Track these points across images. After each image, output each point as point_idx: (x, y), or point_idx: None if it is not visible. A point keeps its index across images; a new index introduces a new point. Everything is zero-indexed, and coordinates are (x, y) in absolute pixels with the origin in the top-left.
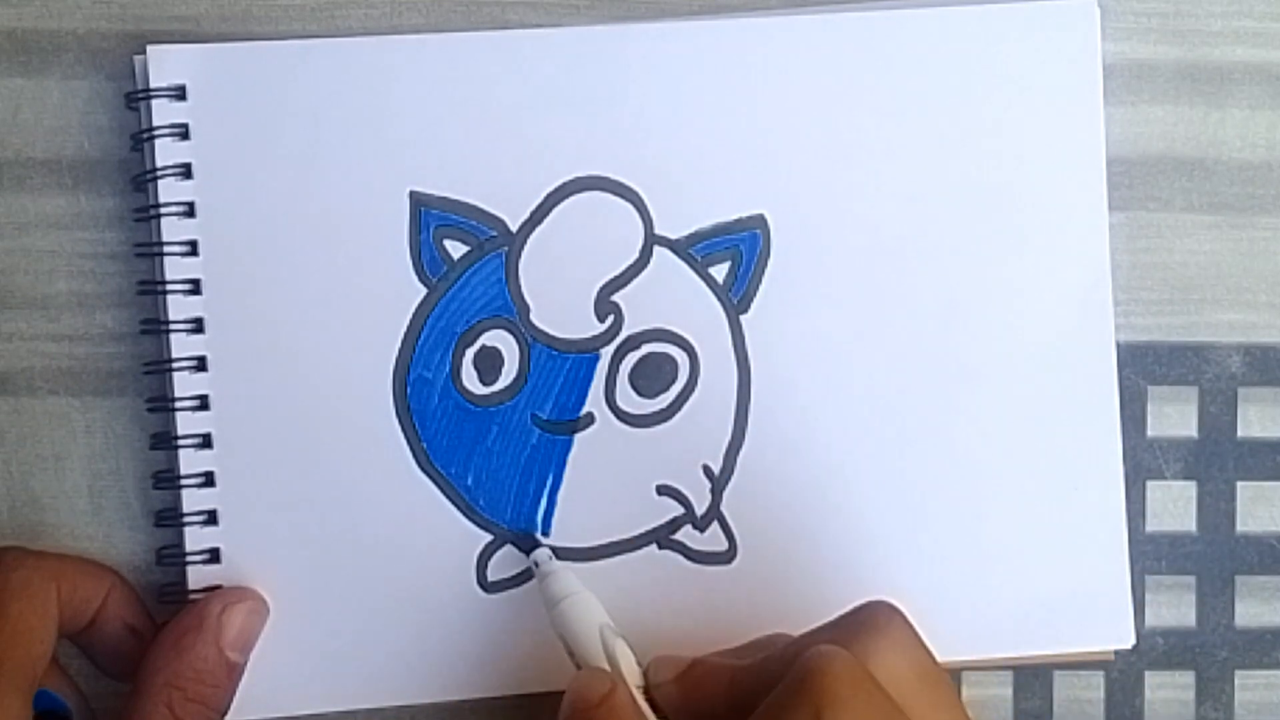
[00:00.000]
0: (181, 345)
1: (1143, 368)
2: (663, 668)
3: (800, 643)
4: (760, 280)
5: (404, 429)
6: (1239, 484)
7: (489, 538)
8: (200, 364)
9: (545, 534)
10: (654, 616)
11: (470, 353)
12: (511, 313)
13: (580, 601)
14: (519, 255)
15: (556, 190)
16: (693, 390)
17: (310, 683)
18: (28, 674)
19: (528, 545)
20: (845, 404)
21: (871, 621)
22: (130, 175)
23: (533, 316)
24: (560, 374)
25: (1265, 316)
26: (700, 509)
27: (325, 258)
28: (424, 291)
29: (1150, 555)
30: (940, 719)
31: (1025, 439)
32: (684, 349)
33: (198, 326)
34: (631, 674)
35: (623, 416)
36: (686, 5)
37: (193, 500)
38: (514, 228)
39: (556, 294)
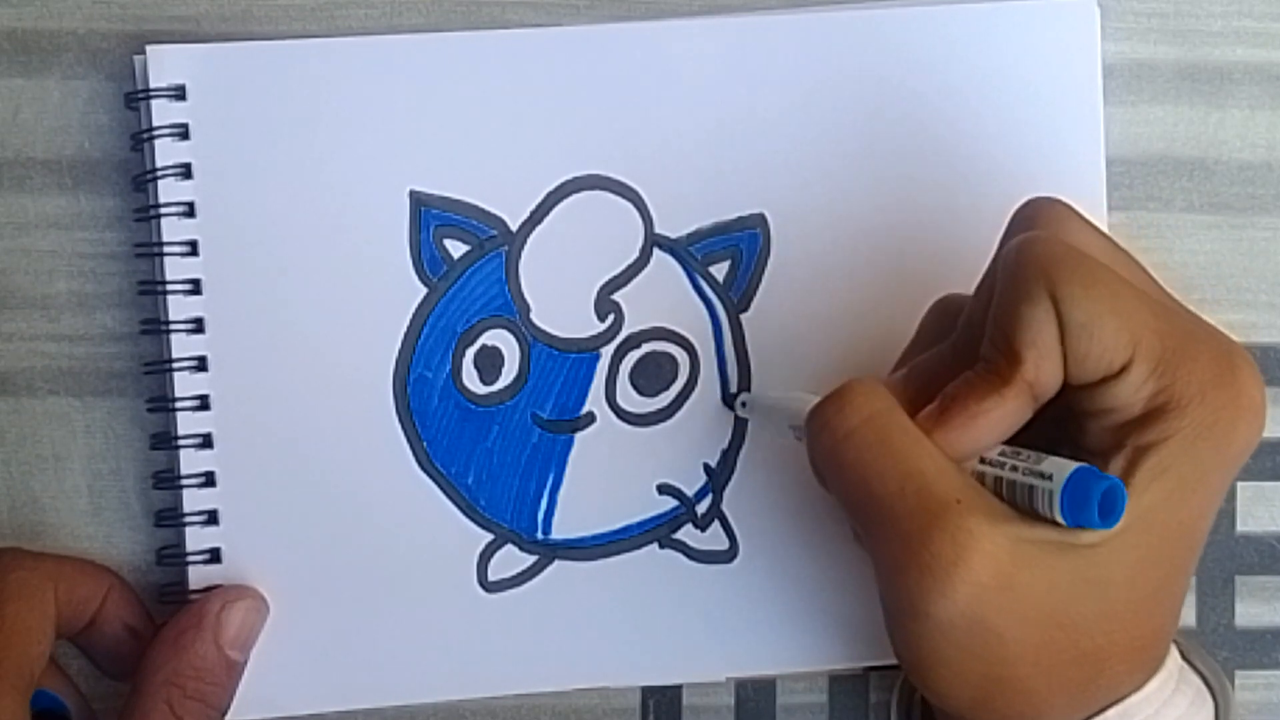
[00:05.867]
0: (181, 345)
1: None
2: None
3: (985, 282)
4: (760, 279)
5: (404, 428)
6: (1239, 484)
7: (490, 537)
8: (200, 364)
9: (546, 533)
10: (655, 615)
11: (471, 352)
12: (512, 312)
13: (775, 393)
14: (519, 254)
15: (556, 189)
16: (693, 389)
17: (310, 683)
18: (24, 674)
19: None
20: None
21: (1048, 213)
22: (130, 175)
23: (533, 316)
24: (561, 373)
25: (1265, 316)
26: (701, 508)
27: (325, 257)
28: (424, 291)
29: None
30: (1140, 279)
31: None
32: (684, 348)
33: (198, 326)
34: None
35: (623, 415)
36: (686, 5)
37: (193, 500)
38: (514, 227)
39: (557, 293)
